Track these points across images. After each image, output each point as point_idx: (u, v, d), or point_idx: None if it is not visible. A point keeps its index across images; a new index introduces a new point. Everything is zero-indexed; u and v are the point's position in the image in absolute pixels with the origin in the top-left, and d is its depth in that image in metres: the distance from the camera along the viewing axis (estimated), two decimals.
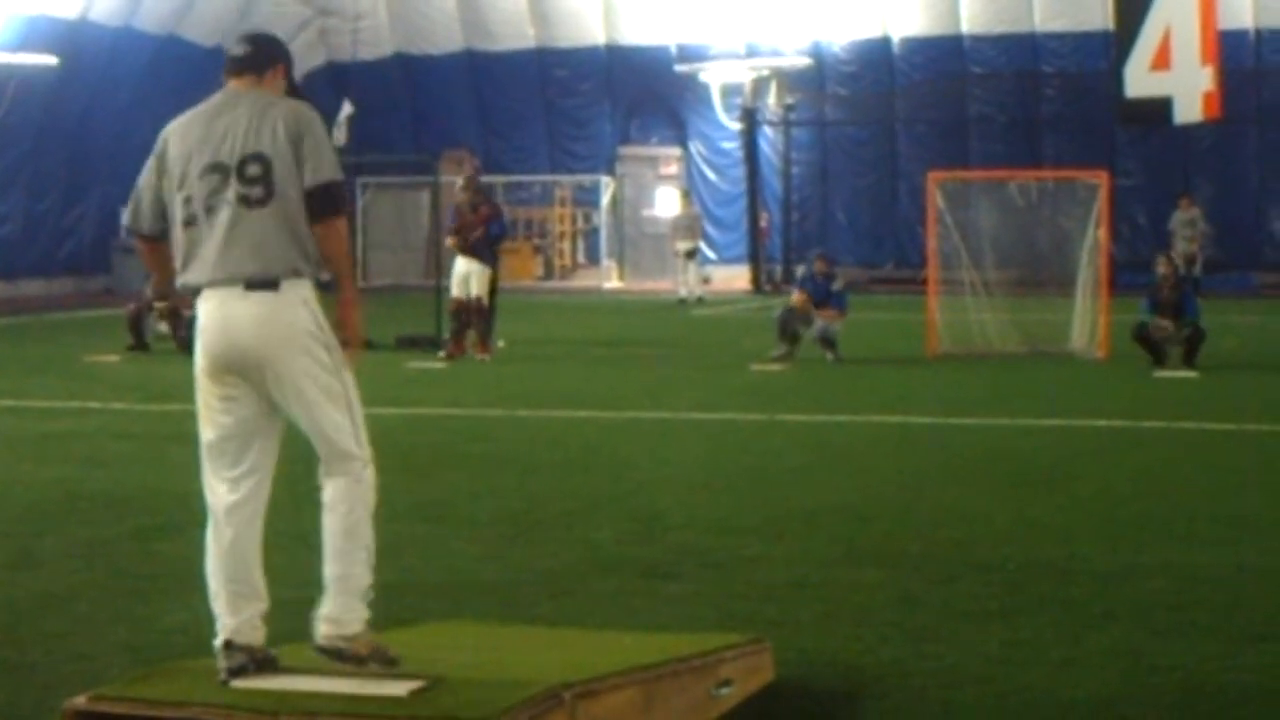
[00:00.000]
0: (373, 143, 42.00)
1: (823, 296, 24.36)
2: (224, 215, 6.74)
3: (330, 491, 6.80)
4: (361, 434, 6.86)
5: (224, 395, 6.82)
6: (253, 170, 6.74)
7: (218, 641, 6.81)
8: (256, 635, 6.83)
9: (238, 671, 6.72)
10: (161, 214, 7.00)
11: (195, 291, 6.86)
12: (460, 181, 26.42)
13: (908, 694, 7.56)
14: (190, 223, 6.83)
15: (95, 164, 40.47)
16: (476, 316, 24.57)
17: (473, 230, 24.57)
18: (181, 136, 6.93)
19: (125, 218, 7.11)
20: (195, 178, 6.81)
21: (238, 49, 7.09)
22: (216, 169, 6.79)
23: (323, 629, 6.72)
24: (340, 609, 6.71)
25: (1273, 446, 16.11)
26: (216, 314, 6.78)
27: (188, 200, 6.83)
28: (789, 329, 24.10)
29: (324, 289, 6.91)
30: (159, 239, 7.05)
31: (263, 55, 7.09)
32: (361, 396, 6.96)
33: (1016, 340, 25.27)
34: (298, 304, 6.75)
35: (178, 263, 6.91)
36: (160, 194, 6.98)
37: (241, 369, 6.76)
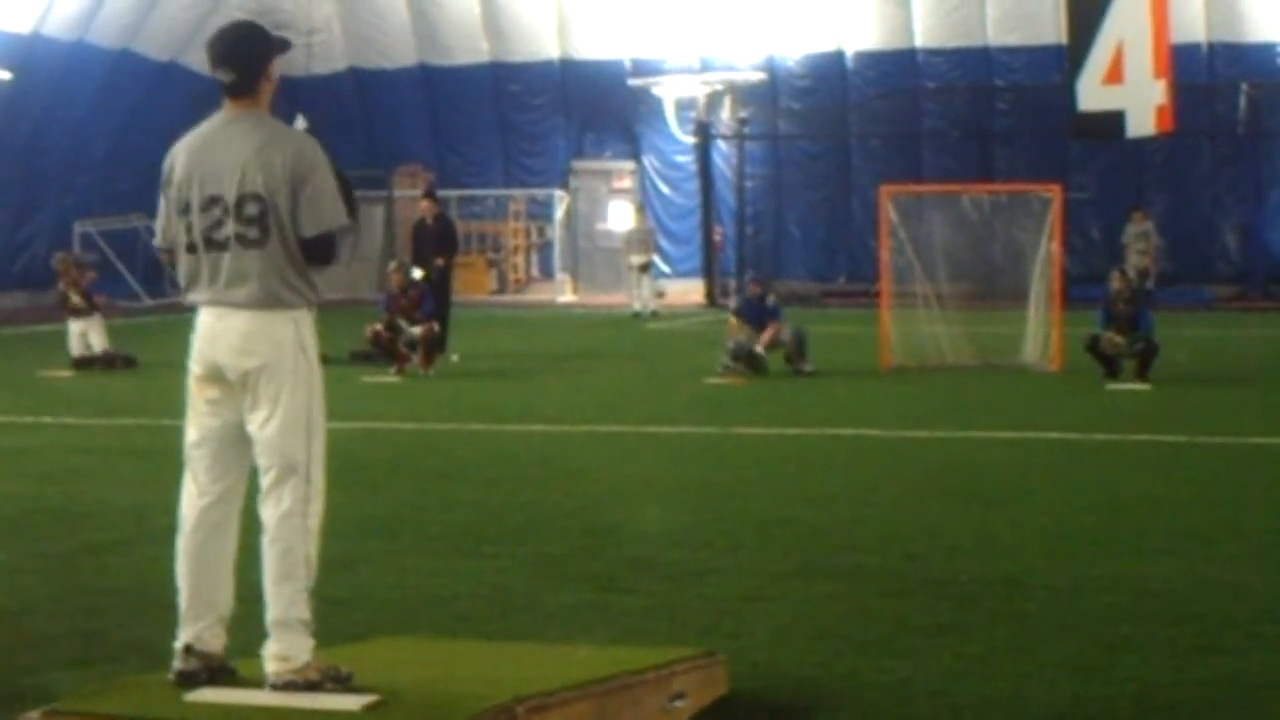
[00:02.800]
0: None
1: (760, 316, 24.49)
2: (223, 253, 6.92)
3: (270, 523, 6.86)
4: (316, 464, 6.93)
5: (209, 399, 7.03)
6: (250, 210, 6.89)
7: (178, 643, 6.95)
8: (217, 643, 6.98)
9: (189, 677, 6.86)
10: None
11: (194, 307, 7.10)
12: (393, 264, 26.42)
13: (861, 707, 7.58)
14: (191, 249, 7.02)
15: (49, 178, 40.33)
16: (423, 341, 24.52)
17: (409, 314, 24.60)
18: (185, 161, 7.06)
19: (156, 237, 7.40)
20: (197, 209, 6.97)
21: (222, 75, 7.06)
22: (216, 203, 6.93)
23: (272, 666, 6.81)
24: (285, 647, 6.80)
25: (1224, 459, 16.16)
26: (209, 325, 7.00)
27: (189, 228, 7.00)
28: (743, 355, 24.03)
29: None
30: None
31: (248, 76, 7.08)
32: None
33: (969, 353, 25.31)
34: (287, 322, 6.93)
35: (181, 280, 7.10)
36: (171, 212, 7.13)
37: (225, 377, 6.94)
